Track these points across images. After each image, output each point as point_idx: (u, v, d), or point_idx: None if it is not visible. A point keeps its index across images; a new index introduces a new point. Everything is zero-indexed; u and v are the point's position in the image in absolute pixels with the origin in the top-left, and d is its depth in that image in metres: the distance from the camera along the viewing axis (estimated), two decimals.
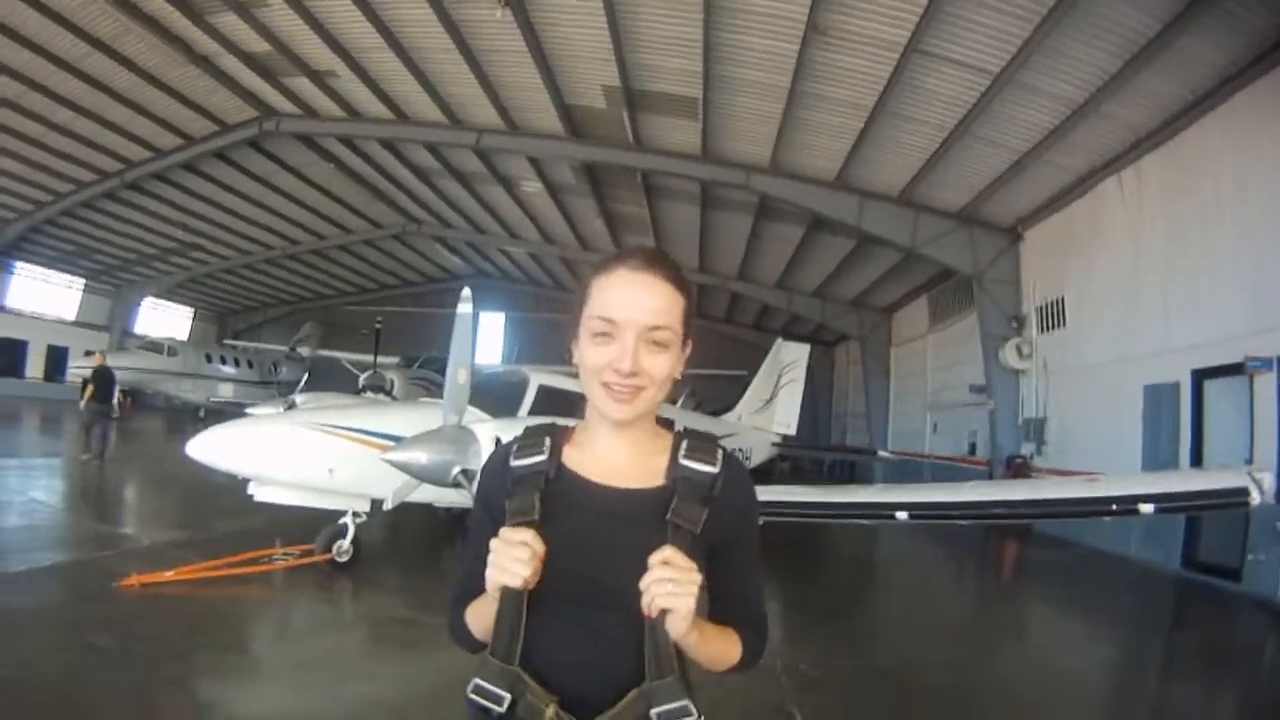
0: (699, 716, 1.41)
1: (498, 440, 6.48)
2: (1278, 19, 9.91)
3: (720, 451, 1.54)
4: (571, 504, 1.49)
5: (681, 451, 1.52)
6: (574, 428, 1.62)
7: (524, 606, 1.39)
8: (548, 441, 1.54)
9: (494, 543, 1.38)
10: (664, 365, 1.46)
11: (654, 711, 1.36)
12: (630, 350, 1.42)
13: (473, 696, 1.40)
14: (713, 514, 1.47)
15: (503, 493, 1.51)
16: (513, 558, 1.34)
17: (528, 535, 1.36)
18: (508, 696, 1.37)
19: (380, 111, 19.66)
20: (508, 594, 1.38)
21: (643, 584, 1.32)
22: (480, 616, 1.51)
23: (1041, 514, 7.20)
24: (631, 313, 1.44)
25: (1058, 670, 6.97)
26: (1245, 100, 10.91)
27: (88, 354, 29.43)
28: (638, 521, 1.46)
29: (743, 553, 1.60)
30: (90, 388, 15.51)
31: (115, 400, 17.08)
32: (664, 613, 1.32)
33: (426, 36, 15.32)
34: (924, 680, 6.33)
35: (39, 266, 32.20)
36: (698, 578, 1.33)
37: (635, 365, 1.43)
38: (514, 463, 1.52)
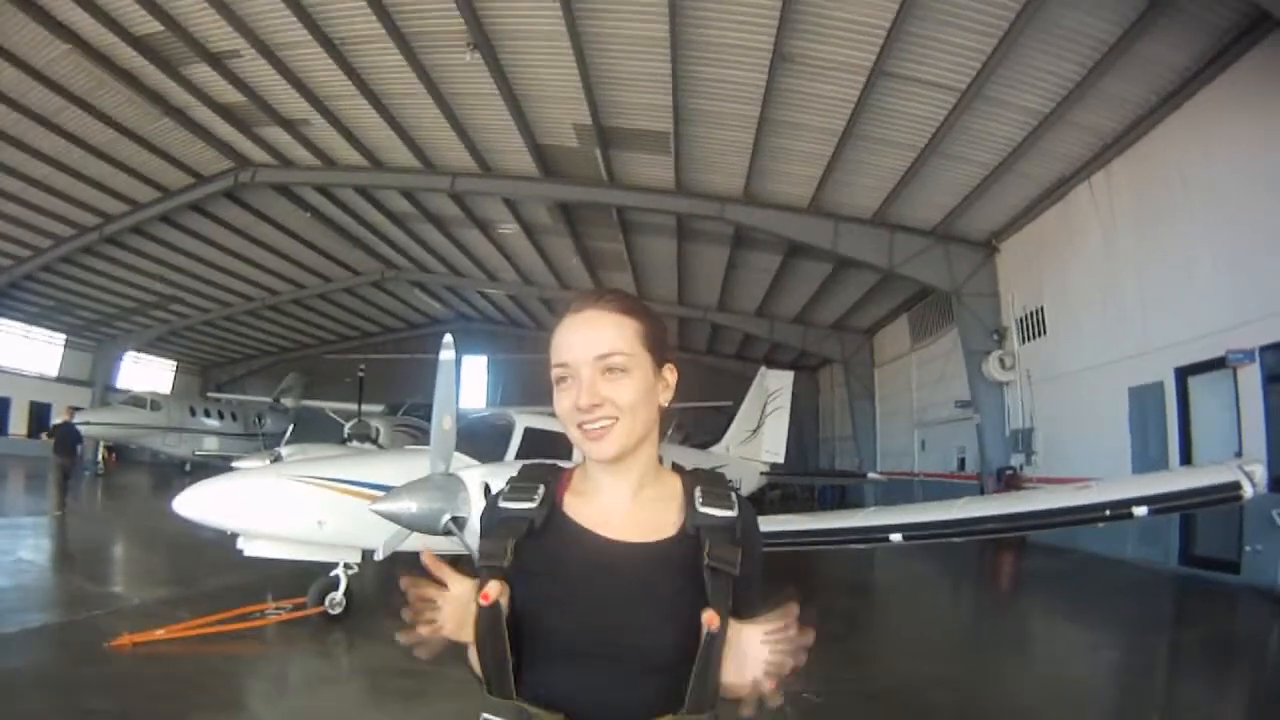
0: None
1: (486, 486, 6.47)
2: (1235, 15, 10.15)
3: (733, 494, 1.52)
4: (577, 557, 1.44)
5: (698, 499, 1.48)
6: (573, 470, 1.58)
7: (505, 637, 1.36)
8: (541, 490, 1.50)
9: (445, 595, 1.39)
10: (627, 390, 1.42)
11: None
12: (586, 385, 1.41)
13: None
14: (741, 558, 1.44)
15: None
16: (426, 616, 1.36)
17: (460, 588, 1.38)
18: None
19: (355, 159, 19.71)
20: (485, 626, 1.36)
21: (761, 640, 1.34)
22: (473, 661, 1.47)
23: (1035, 525, 7.17)
24: (579, 349, 1.43)
25: (1063, 679, 6.93)
26: (1209, 97, 11.15)
27: (71, 409, 29.29)
28: (657, 575, 1.42)
29: (752, 591, 1.56)
30: (51, 440, 16.21)
31: (79, 454, 17.53)
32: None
33: (397, 82, 15.43)
34: (928, 700, 6.28)
35: (19, 323, 31.94)
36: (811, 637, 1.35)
37: (594, 396, 1.40)
38: (502, 504, 1.50)
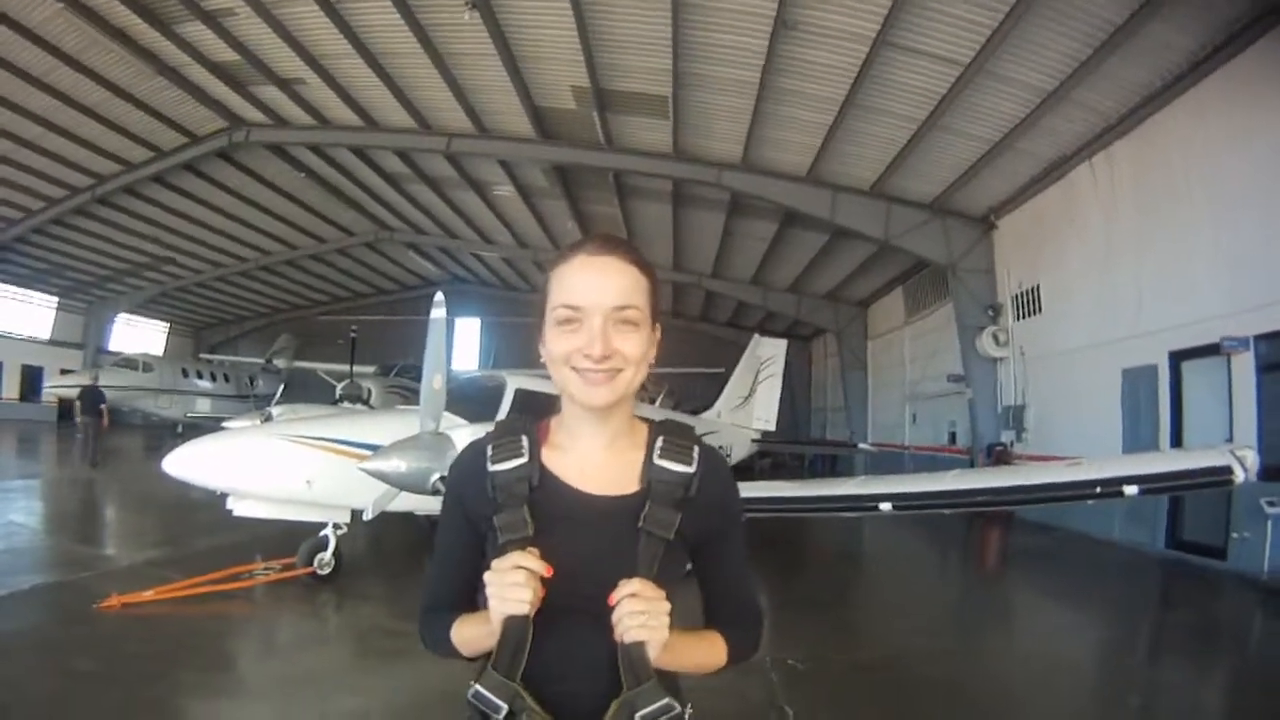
0: (685, 708, 1.44)
1: None
2: (1245, 3, 10.01)
3: (696, 448, 1.51)
4: (556, 514, 1.45)
5: (656, 451, 1.49)
6: (549, 422, 1.58)
7: (529, 626, 1.36)
8: (525, 442, 1.50)
9: (489, 574, 1.36)
10: (636, 344, 1.44)
11: (638, 715, 1.34)
12: (599, 333, 1.40)
13: (471, 701, 1.38)
14: (689, 515, 1.46)
15: (484, 499, 1.47)
16: (513, 584, 1.33)
17: (526, 559, 1.34)
18: (505, 708, 1.35)
19: (350, 118, 19.51)
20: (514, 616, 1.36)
21: (614, 616, 1.33)
22: (468, 640, 1.49)
23: (1025, 500, 7.19)
24: (596, 296, 1.42)
25: (1047, 656, 7.00)
26: (1215, 84, 11.00)
27: (63, 372, 29.25)
28: (617, 531, 1.44)
29: (727, 546, 1.59)
30: (78, 403, 19.04)
31: (102, 413, 19.46)
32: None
33: (394, 41, 15.22)
34: (914, 672, 6.33)
35: (11, 285, 31.78)
36: (666, 606, 1.34)
37: (607, 348, 1.40)
38: (493, 467, 1.47)
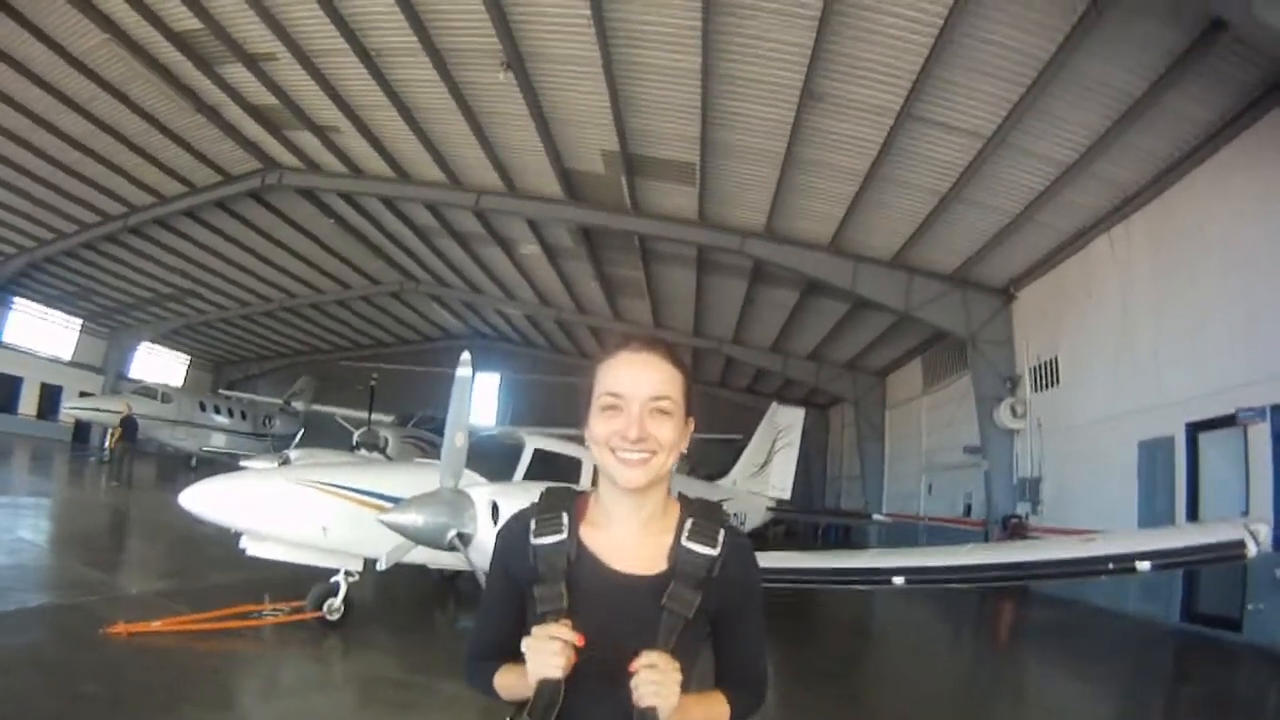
0: None
1: (494, 505, 6.50)
2: (1262, 73, 10.18)
3: (722, 531, 1.66)
4: (589, 589, 1.60)
5: (685, 533, 1.64)
6: (588, 496, 1.73)
7: (561, 685, 1.49)
8: (565, 519, 1.64)
9: (529, 641, 1.51)
10: (669, 431, 1.61)
11: None
12: (636, 419, 1.58)
13: None
14: (711, 592, 1.61)
15: (526, 568, 1.63)
16: (551, 652, 1.47)
17: (562, 631, 1.49)
18: None
19: (381, 169, 19.89)
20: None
21: (632, 682, 1.47)
22: (508, 686, 1.65)
23: (1038, 575, 7.15)
24: (635, 386, 1.61)
25: None
26: (1232, 154, 11.16)
27: (82, 394, 29.49)
28: (642, 607, 1.58)
29: (745, 619, 1.73)
30: (119, 430, 21.64)
31: (136, 439, 22.35)
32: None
33: (429, 97, 15.60)
34: None
35: (37, 304, 32.22)
36: (678, 678, 1.48)
37: (642, 431, 1.58)
38: (535, 541, 1.63)
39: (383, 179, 20.60)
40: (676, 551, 1.62)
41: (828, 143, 14.03)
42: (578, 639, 1.48)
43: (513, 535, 1.69)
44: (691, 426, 1.70)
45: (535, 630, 1.51)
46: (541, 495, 1.72)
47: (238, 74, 16.30)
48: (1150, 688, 8.99)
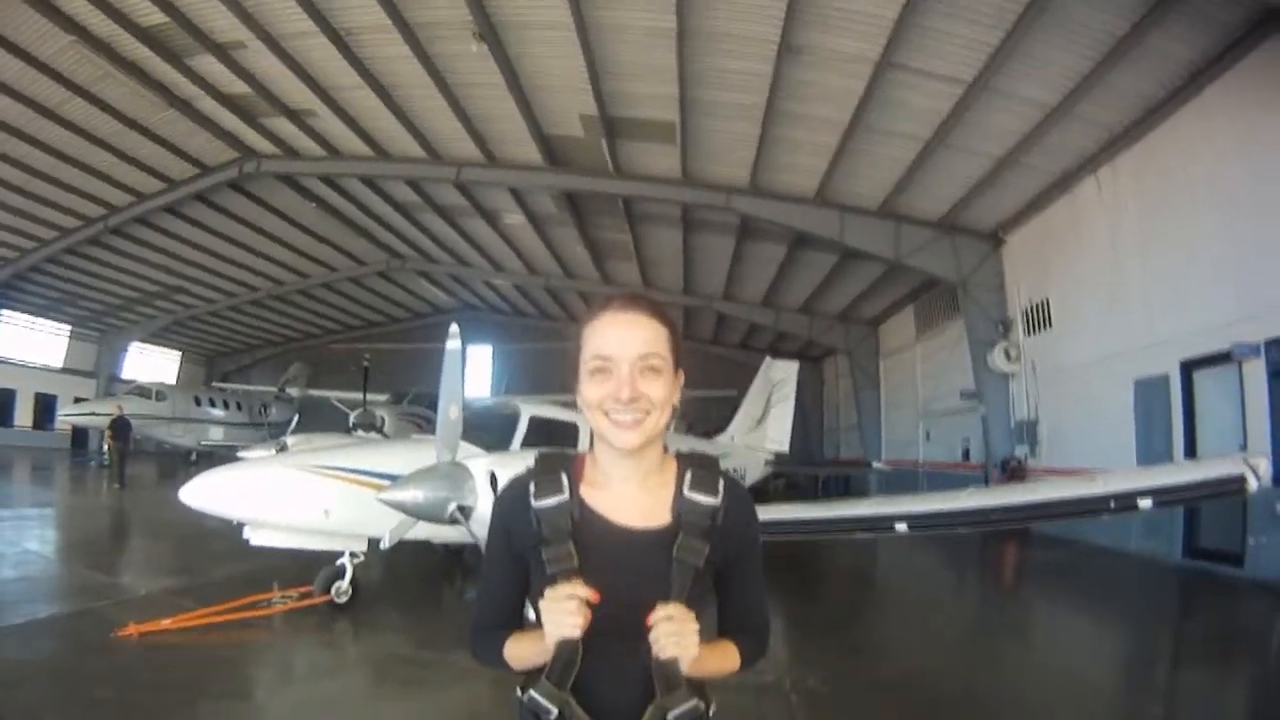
0: (710, 706, 1.63)
1: (492, 475, 6.50)
2: (1245, 11, 10.08)
3: (722, 481, 1.67)
4: (598, 547, 1.60)
5: (686, 484, 1.64)
6: (584, 458, 1.72)
7: (579, 645, 1.53)
8: (564, 479, 1.64)
9: (545, 602, 1.53)
10: (660, 389, 1.60)
11: (670, 715, 1.55)
12: (626, 379, 1.58)
13: (525, 704, 1.59)
14: (715, 543, 1.62)
15: (529, 532, 1.62)
16: (567, 612, 1.50)
17: (573, 589, 1.51)
18: (555, 712, 1.56)
19: (360, 149, 19.71)
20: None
21: (651, 635, 1.51)
22: (520, 657, 1.64)
23: (1041, 516, 7.21)
24: (622, 347, 1.60)
25: (1067, 669, 6.94)
26: (1216, 92, 11.08)
27: (77, 400, 29.46)
28: (651, 560, 1.60)
29: (746, 568, 1.75)
30: (110, 431, 22.07)
31: (129, 440, 22.78)
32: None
33: (404, 73, 15.40)
34: (934, 689, 6.29)
35: (25, 314, 32.10)
36: (696, 627, 1.52)
37: (634, 391, 1.57)
38: (536, 504, 1.62)
39: (362, 159, 20.40)
40: (679, 503, 1.63)
41: (809, 95, 13.86)
42: (593, 596, 1.50)
43: (512, 501, 1.69)
44: (681, 379, 1.69)
45: (549, 591, 1.52)
46: (536, 459, 1.72)
47: (208, 65, 16.06)
48: (1155, 624, 9.08)
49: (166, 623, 6.77)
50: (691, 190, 18.56)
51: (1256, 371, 10.27)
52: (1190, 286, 11.69)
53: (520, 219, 23.34)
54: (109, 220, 24.27)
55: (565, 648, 1.52)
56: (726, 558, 1.66)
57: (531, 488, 1.64)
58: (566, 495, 1.62)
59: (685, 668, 1.52)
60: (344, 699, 5.75)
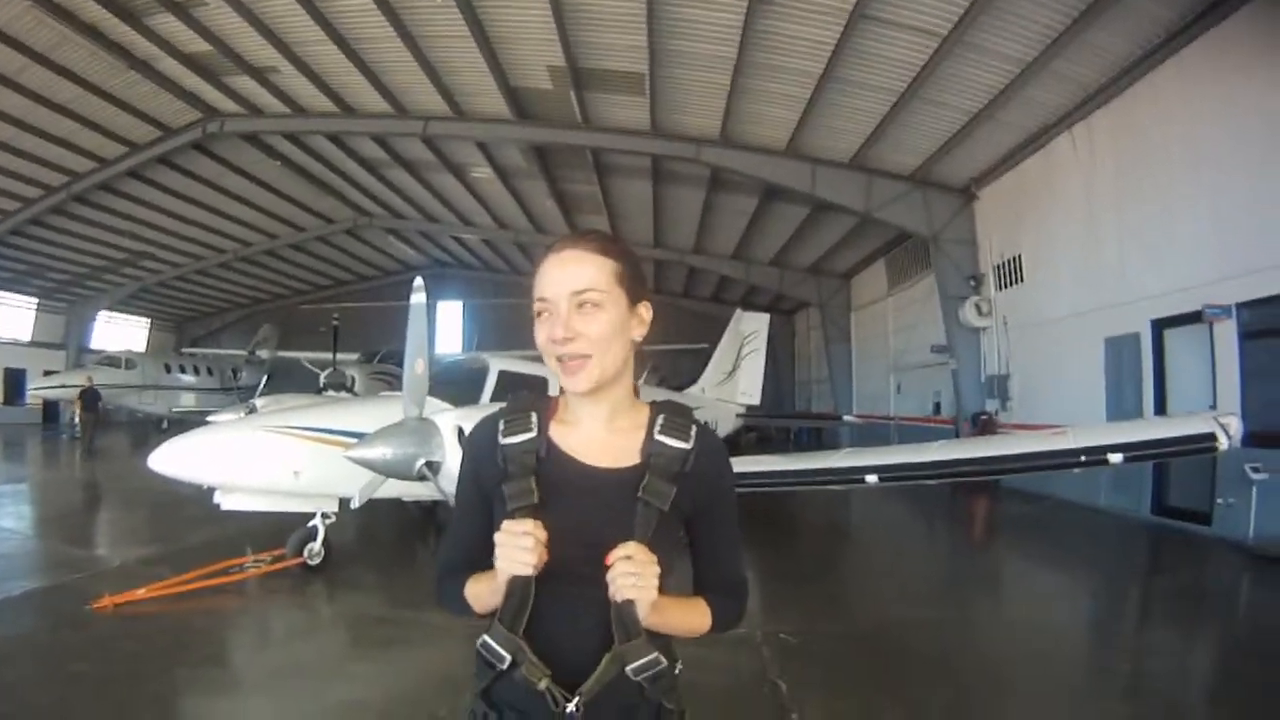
0: (675, 665, 1.59)
1: (460, 430, 6.47)
2: None
3: (694, 427, 1.63)
4: (563, 485, 1.56)
5: (657, 427, 1.61)
6: (558, 400, 1.69)
7: (532, 584, 1.48)
8: (534, 418, 1.61)
9: (499, 535, 1.47)
10: (598, 325, 1.53)
11: (628, 669, 1.48)
12: (563, 317, 1.52)
13: (480, 650, 1.54)
14: (684, 488, 1.57)
15: (495, 470, 1.58)
16: (519, 548, 1.44)
17: (530, 525, 1.45)
18: (508, 658, 1.50)
19: (325, 105, 19.32)
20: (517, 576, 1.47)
21: (609, 575, 1.45)
22: (479, 596, 1.59)
23: (1011, 469, 7.26)
24: (557, 286, 1.54)
25: (1036, 624, 7.09)
26: (1194, 54, 11.02)
27: (46, 373, 29.02)
28: (616, 500, 1.55)
29: (718, 520, 1.70)
30: (79, 403, 23.03)
31: (99, 409, 23.85)
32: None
33: (367, 25, 15.03)
34: (905, 642, 6.40)
35: None
36: (656, 570, 1.45)
37: (568, 330, 1.52)
38: (504, 440, 1.59)
39: (327, 115, 19.99)
40: (649, 445, 1.59)
41: (780, 46, 13.68)
42: (543, 538, 1.45)
43: (481, 439, 1.65)
44: (646, 313, 1.63)
45: (505, 525, 1.47)
46: (509, 400, 1.69)
47: (167, 24, 15.59)
48: (1122, 580, 9.20)
49: (141, 592, 6.75)
50: (661, 141, 18.35)
51: (1227, 333, 10.35)
52: (1164, 246, 11.74)
53: (488, 173, 23.07)
54: (72, 188, 23.65)
55: (517, 585, 1.47)
56: (696, 506, 1.62)
57: (500, 425, 1.61)
58: (534, 433, 1.59)
59: (644, 612, 1.45)
60: (321, 661, 5.76)
